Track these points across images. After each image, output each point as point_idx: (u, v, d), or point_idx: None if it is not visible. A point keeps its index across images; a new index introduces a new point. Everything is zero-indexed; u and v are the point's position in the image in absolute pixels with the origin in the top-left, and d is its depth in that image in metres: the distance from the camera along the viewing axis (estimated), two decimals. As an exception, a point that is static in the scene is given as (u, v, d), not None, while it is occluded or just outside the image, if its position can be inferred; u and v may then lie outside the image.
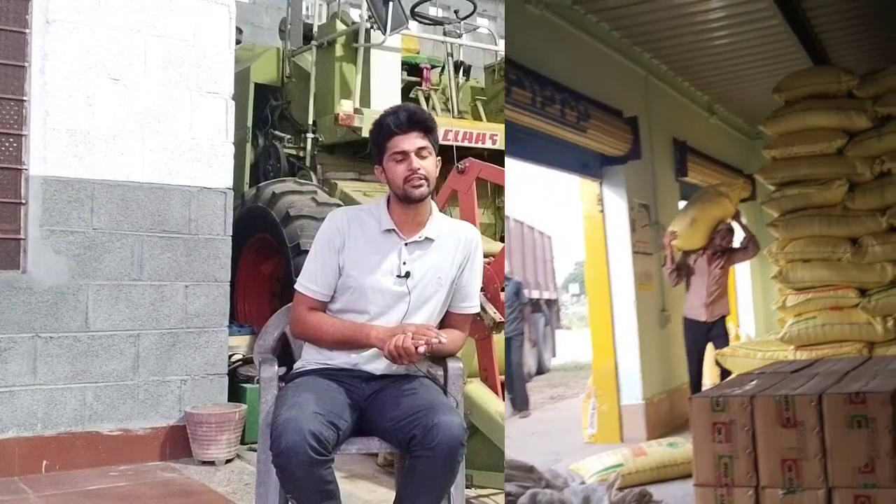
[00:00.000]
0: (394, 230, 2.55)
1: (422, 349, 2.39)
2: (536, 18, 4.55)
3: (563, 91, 4.67)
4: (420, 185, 2.49)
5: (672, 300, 5.78)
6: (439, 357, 2.62)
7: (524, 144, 4.69)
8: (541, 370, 10.99)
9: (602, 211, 5.52)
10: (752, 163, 7.04)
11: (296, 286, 2.59)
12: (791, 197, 4.18)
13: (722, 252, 5.46)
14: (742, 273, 7.83)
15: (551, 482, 3.43)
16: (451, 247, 2.60)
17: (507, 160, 4.33)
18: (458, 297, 2.64)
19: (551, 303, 12.57)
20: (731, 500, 2.18)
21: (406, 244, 2.55)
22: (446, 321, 2.65)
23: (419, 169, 2.48)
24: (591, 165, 5.45)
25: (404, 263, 2.53)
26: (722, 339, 5.33)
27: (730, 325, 6.70)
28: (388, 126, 2.51)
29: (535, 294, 11.36)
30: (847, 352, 4.01)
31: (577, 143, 4.99)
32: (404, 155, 2.49)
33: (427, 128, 2.53)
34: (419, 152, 2.50)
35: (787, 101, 4.23)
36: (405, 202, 2.53)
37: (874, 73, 4.10)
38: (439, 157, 2.60)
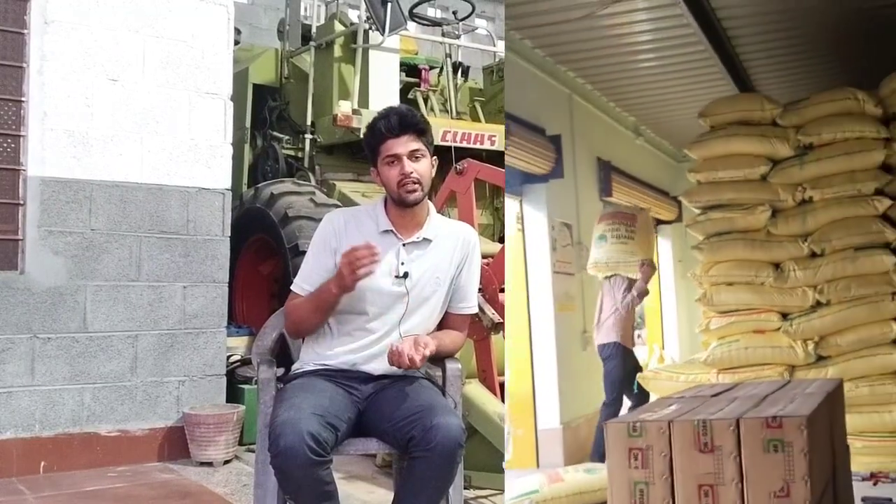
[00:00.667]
0: (392, 231, 2.56)
1: (417, 358, 2.39)
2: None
3: None
4: (414, 190, 2.50)
5: (594, 322, 5.69)
6: (438, 358, 2.63)
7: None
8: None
9: (522, 229, 5.45)
10: (678, 185, 7.03)
11: (292, 286, 2.60)
12: (715, 221, 4.25)
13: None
14: (667, 295, 7.84)
15: None
16: (450, 247, 2.60)
17: None
18: (457, 297, 2.64)
19: None
20: None
21: (404, 245, 2.55)
22: (444, 322, 2.66)
23: (412, 173, 2.48)
24: (511, 183, 5.32)
25: (402, 264, 2.53)
26: None
27: (654, 347, 6.70)
28: (380, 130, 2.51)
29: None
30: (769, 375, 4.06)
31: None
32: (397, 158, 2.49)
33: (420, 130, 2.52)
34: (412, 155, 2.50)
35: (713, 126, 4.30)
36: (401, 205, 2.54)
37: (797, 103, 4.19)
38: (435, 158, 2.60)
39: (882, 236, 3.91)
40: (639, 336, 5.64)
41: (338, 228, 2.57)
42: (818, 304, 4.03)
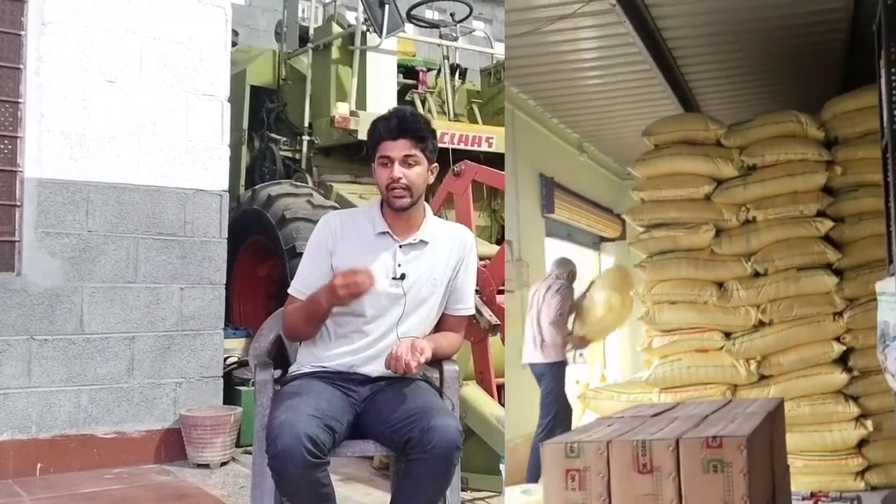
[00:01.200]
0: (388, 232, 2.55)
1: (413, 364, 2.40)
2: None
3: None
4: (401, 196, 2.49)
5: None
6: (436, 360, 2.63)
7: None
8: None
9: None
10: (621, 202, 6.96)
11: (289, 290, 2.60)
12: (659, 239, 4.24)
13: None
14: None
15: None
16: (446, 249, 2.60)
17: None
18: (453, 298, 2.64)
19: None
20: None
21: (401, 246, 2.55)
22: (441, 324, 2.66)
23: (400, 179, 2.47)
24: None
25: (399, 265, 2.53)
26: None
27: (596, 365, 6.64)
28: (379, 130, 2.51)
29: None
30: (711, 394, 4.05)
31: None
32: (389, 161, 2.49)
33: (419, 136, 2.50)
34: (405, 160, 2.48)
35: (657, 145, 4.30)
36: (390, 207, 2.53)
37: (741, 125, 4.20)
38: (435, 165, 2.59)
39: (824, 257, 3.94)
40: (581, 355, 5.57)
41: (334, 231, 2.56)
42: (761, 324, 4.04)
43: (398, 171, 2.48)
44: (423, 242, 2.57)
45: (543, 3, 3.97)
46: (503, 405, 4.11)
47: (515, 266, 5.59)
